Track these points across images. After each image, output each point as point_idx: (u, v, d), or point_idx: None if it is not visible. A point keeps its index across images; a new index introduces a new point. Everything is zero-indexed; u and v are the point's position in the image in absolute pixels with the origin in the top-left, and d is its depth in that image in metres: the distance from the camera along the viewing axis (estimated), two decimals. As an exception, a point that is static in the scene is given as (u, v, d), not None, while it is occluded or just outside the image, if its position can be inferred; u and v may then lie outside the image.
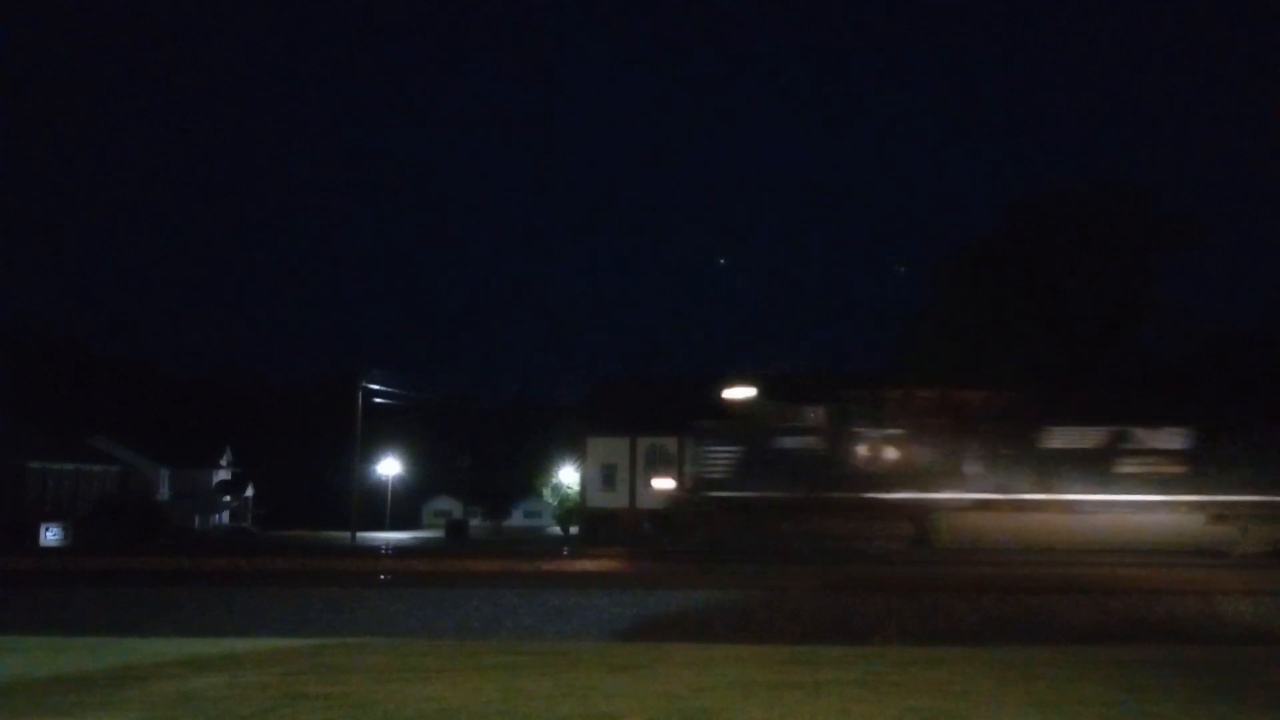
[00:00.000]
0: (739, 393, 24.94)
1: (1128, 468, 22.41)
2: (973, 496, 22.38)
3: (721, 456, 23.27)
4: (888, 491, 22.52)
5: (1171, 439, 22.62)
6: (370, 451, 56.28)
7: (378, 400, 52.84)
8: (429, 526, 65.89)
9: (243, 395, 79.99)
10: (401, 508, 64.52)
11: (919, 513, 22.45)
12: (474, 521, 62.44)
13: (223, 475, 65.44)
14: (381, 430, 58.78)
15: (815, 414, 23.64)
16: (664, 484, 24.69)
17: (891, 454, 22.92)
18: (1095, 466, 22.39)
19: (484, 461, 66.67)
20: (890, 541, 22.27)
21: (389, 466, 60.86)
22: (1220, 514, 21.95)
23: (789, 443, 23.36)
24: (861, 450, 23.00)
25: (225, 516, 63.92)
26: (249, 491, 68.12)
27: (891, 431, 23.03)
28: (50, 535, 40.16)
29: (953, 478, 22.52)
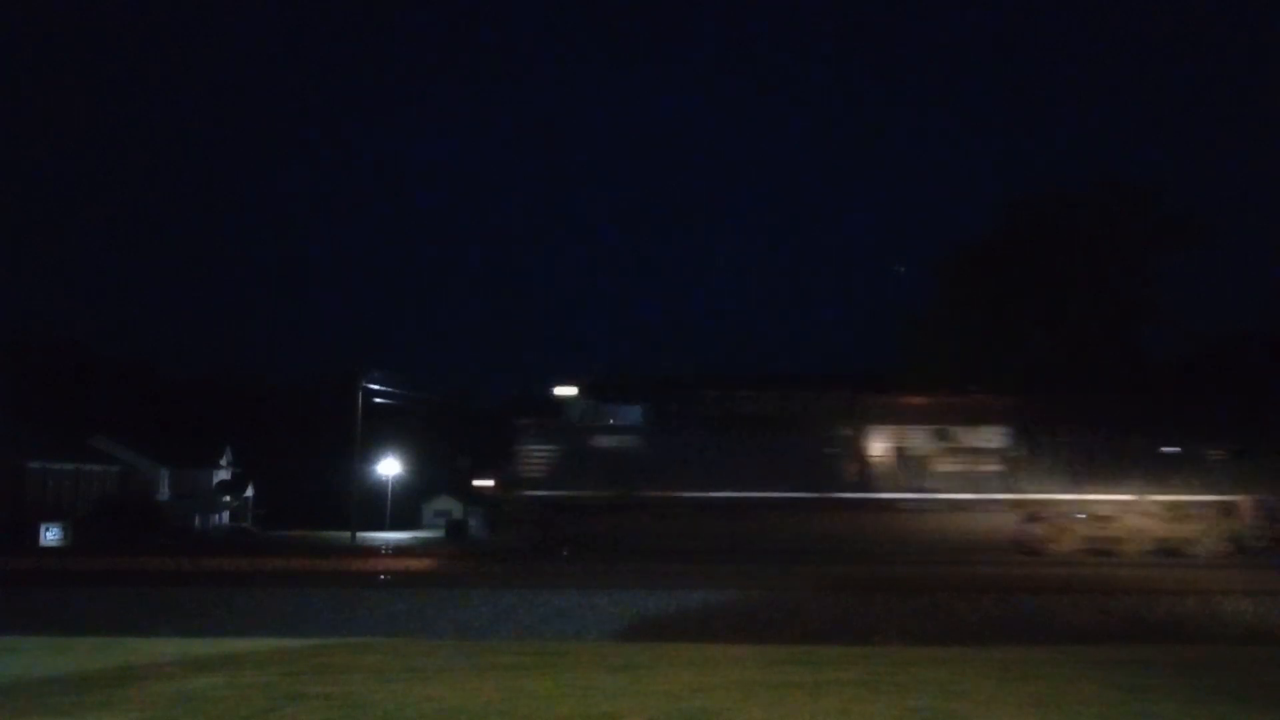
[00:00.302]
0: (562, 391, 25.22)
1: (946, 466, 22.59)
2: (791, 495, 22.40)
3: (538, 454, 23.46)
4: (706, 490, 22.57)
5: (989, 438, 22.84)
6: (370, 451, 56.29)
7: (378, 400, 52.87)
8: (429, 527, 65.90)
9: (243, 395, 79.98)
10: (402, 508, 64.51)
11: (739, 512, 22.45)
12: (474, 521, 62.44)
13: (223, 475, 65.44)
14: (381, 430, 58.77)
15: (631, 413, 23.89)
16: (483, 482, 24.79)
17: (711, 452, 23.02)
18: (915, 465, 22.57)
19: (484, 461, 66.51)
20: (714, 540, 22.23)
21: (389, 466, 60.86)
22: (1034, 513, 22.13)
23: (605, 441, 23.53)
24: (678, 449, 23.13)
25: (225, 516, 63.92)
26: (249, 491, 68.13)
27: (711, 430, 23.24)
28: (50, 535, 40.14)
29: (775, 476, 22.57)
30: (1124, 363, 33.99)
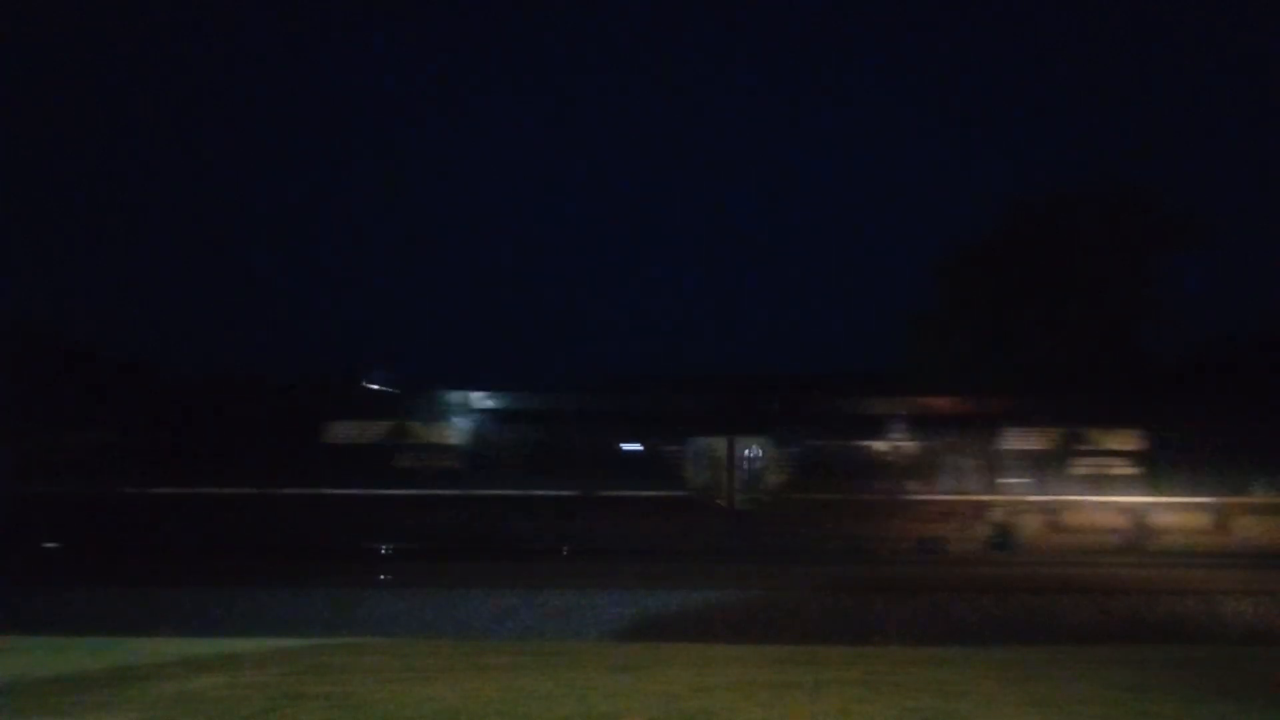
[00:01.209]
0: None
1: (406, 462, 22.72)
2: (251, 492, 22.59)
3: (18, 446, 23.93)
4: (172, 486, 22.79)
5: (444, 434, 22.97)
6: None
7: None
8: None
9: (243, 394, 79.83)
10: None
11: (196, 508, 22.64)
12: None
13: (223, 475, 65.33)
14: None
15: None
16: None
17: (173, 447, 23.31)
18: (377, 461, 22.76)
19: (485, 461, 66.35)
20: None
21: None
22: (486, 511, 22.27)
23: (79, 438, 24.06)
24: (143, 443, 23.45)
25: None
26: (249, 491, 68.04)
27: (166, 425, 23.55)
28: (50, 535, 40.10)
29: (230, 470, 22.91)
30: (1125, 363, 33.96)
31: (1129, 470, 23.00)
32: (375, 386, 25.48)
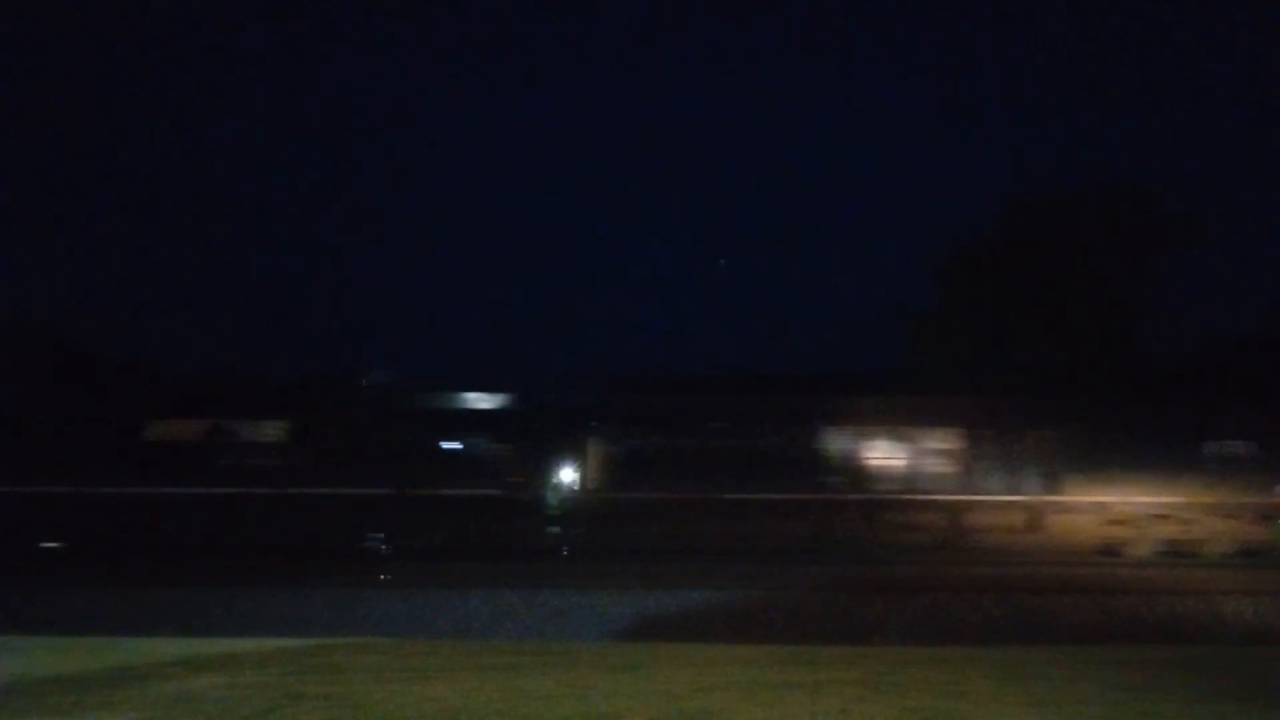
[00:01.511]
0: None
1: (228, 460, 23.01)
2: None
3: None
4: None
5: (272, 432, 23.12)
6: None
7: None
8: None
9: (244, 395, 79.80)
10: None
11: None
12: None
13: (224, 475, 65.32)
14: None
15: None
16: None
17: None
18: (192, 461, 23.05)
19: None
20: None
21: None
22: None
23: None
24: None
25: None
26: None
27: None
28: (51, 535, 40.11)
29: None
30: (1125, 364, 33.98)
31: (949, 469, 23.16)
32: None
